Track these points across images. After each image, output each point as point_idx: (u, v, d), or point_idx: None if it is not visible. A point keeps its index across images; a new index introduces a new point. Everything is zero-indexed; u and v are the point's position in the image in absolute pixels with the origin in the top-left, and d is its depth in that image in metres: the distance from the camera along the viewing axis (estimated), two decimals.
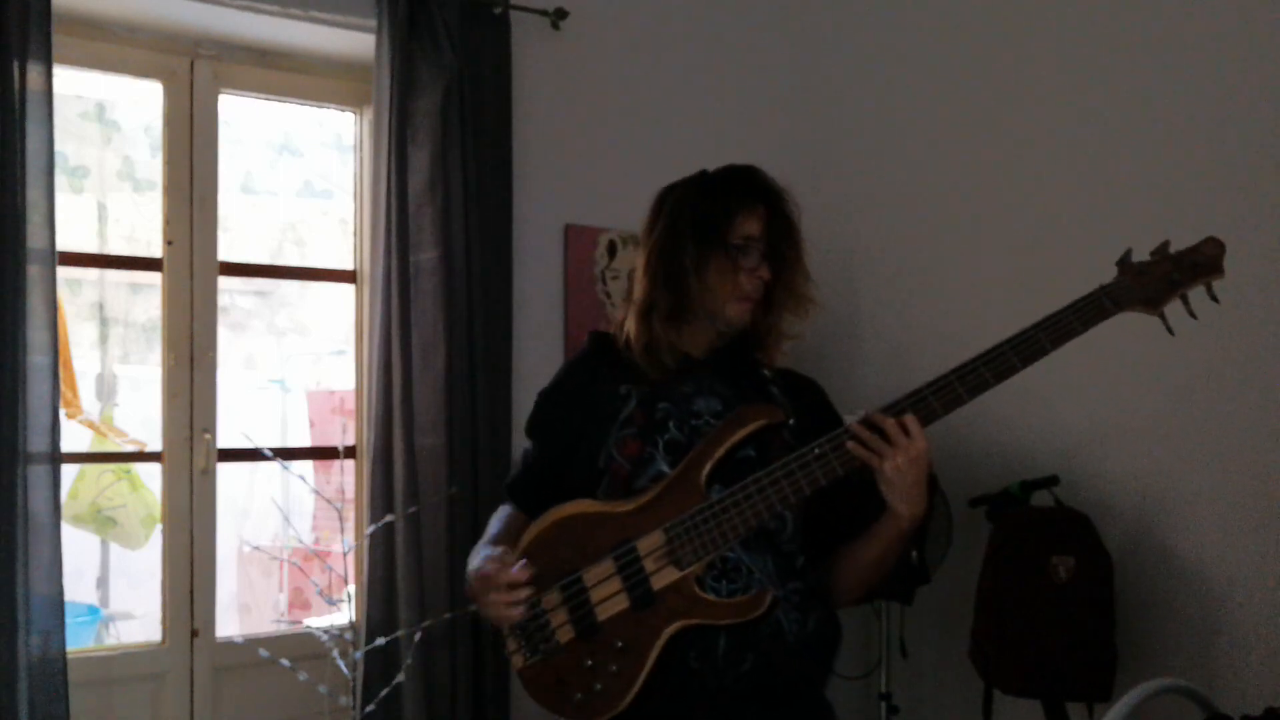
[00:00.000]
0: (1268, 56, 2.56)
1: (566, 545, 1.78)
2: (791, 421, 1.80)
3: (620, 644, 1.72)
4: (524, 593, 1.76)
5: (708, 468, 1.74)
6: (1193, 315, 1.72)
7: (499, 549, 1.84)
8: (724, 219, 1.84)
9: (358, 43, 3.00)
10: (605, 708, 1.73)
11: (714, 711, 1.74)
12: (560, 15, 3.22)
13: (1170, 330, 1.73)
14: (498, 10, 3.07)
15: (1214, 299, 1.72)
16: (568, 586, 1.77)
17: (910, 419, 1.68)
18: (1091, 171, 2.89)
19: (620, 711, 1.73)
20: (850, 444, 1.69)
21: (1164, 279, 1.71)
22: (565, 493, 1.86)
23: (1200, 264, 1.70)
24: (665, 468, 1.79)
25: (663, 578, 1.72)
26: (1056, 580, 2.62)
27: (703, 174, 1.96)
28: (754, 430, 1.76)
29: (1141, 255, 1.75)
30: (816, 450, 1.70)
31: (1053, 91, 2.98)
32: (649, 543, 1.73)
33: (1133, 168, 2.81)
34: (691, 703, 1.73)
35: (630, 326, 1.89)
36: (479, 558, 1.86)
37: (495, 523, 2.00)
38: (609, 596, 1.74)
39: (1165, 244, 1.73)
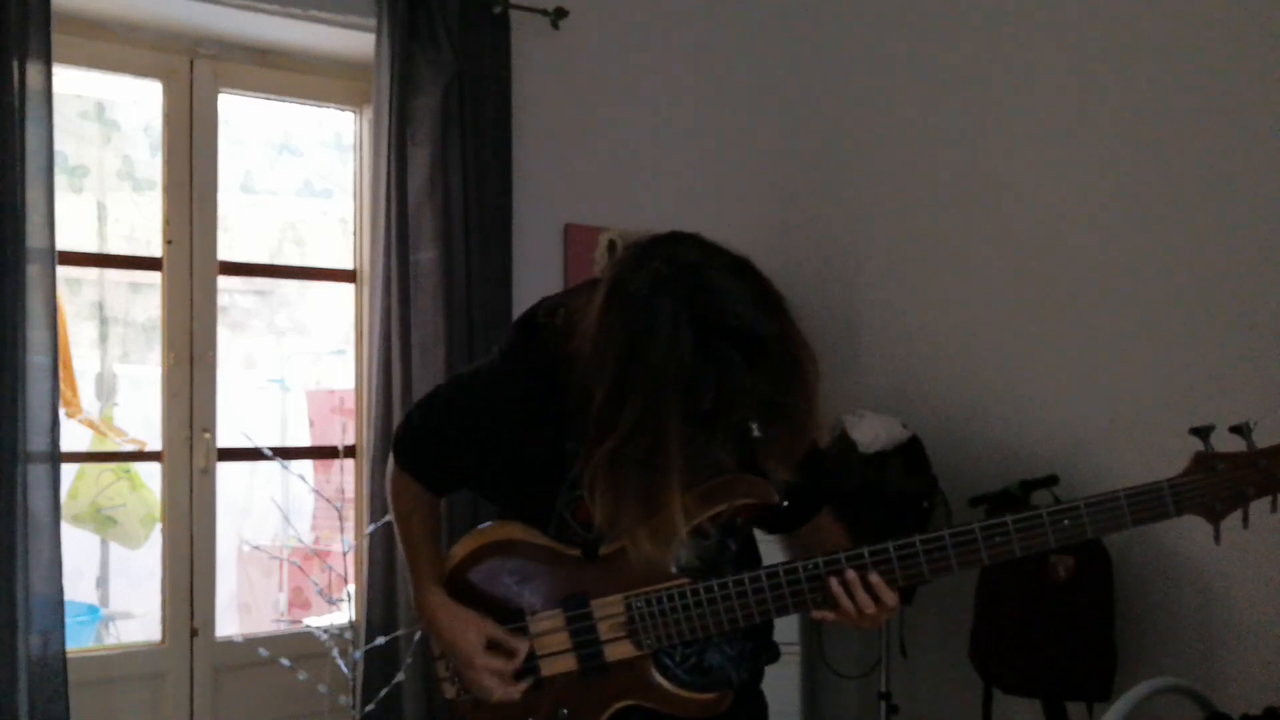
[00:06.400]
0: (1259, 40, 2.56)
1: (508, 576, 1.61)
2: (785, 504, 1.58)
3: (565, 712, 1.60)
4: (525, 686, 1.59)
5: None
6: (1245, 526, 1.50)
7: (484, 623, 1.60)
8: (721, 411, 1.37)
9: (358, 42, 3.00)
10: None
11: None
12: (560, 15, 3.22)
13: (1218, 540, 1.51)
14: (498, 10, 3.07)
15: (1276, 509, 1.49)
16: (511, 631, 1.61)
17: (883, 585, 1.49)
18: (1090, 172, 2.89)
19: None
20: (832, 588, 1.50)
21: (1237, 489, 1.49)
22: (479, 483, 1.71)
23: (1277, 477, 1.48)
24: None
25: (617, 650, 1.57)
26: (1056, 580, 2.62)
27: (686, 309, 1.35)
28: (740, 506, 1.55)
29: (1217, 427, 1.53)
30: (811, 568, 1.52)
31: (1052, 92, 2.98)
32: (606, 608, 1.57)
33: (1131, 167, 2.80)
34: None
35: (601, 517, 1.47)
36: (465, 633, 1.60)
37: (408, 525, 1.71)
38: (556, 653, 1.59)
39: (1248, 428, 1.50)
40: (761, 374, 1.36)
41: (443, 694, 1.68)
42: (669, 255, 1.40)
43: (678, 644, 1.58)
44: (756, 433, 1.43)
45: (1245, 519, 1.50)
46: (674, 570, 1.57)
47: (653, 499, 1.40)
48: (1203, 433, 1.51)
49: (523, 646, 1.59)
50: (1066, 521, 1.49)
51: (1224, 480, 1.49)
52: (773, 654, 1.73)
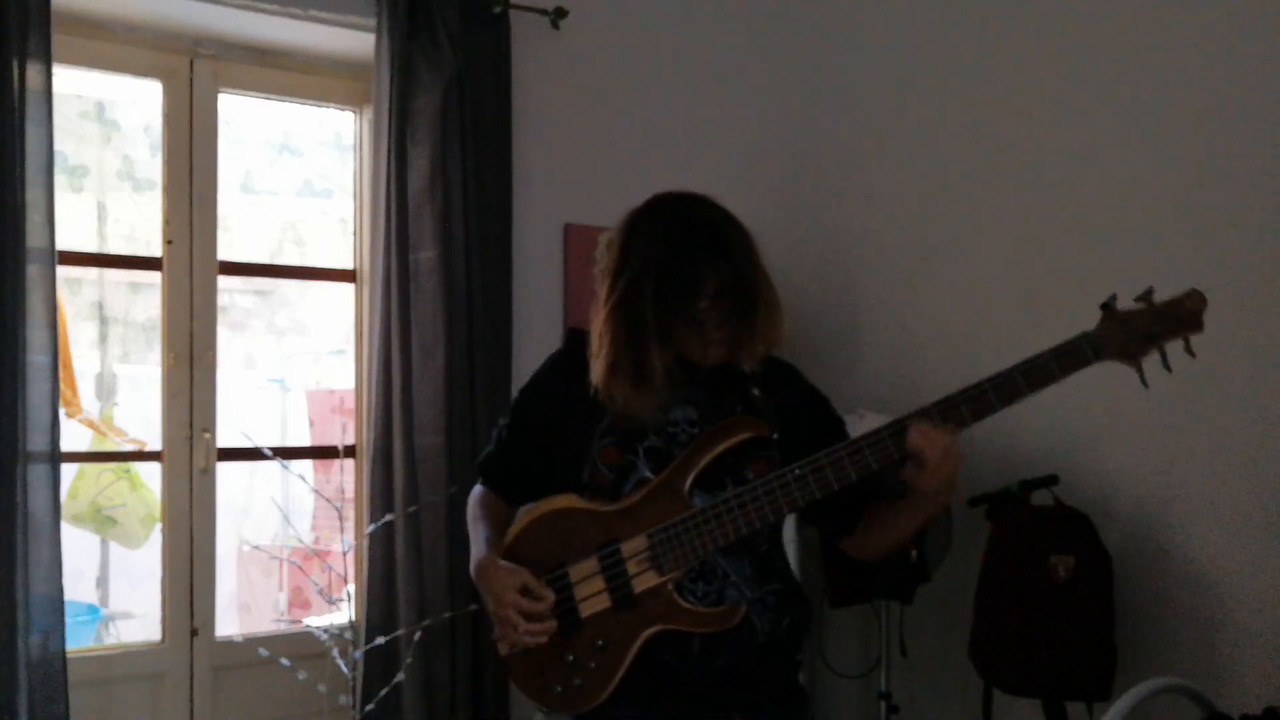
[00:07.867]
0: (1262, 46, 2.56)
1: (553, 538, 1.85)
2: (776, 436, 1.85)
3: (600, 642, 1.80)
4: (550, 625, 1.81)
5: (691, 476, 1.81)
6: (1168, 369, 1.72)
7: (521, 571, 1.82)
8: (690, 285, 1.81)
9: (358, 42, 3.00)
10: (584, 701, 1.82)
11: (688, 697, 1.81)
12: (560, 15, 3.22)
13: (1145, 383, 1.72)
14: (497, 10, 3.07)
15: (1190, 354, 1.71)
16: (554, 580, 1.83)
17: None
18: (1088, 170, 2.89)
19: (598, 704, 1.82)
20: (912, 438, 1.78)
21: (1144, 332, 1.71)
22: (541, 482, 1.94)
23: (1181, 318, 1.70)
24: (649, 473, 1.84)
25: (644, 581, 1.79)
26: (1056, 580, 2.62)
27: (669, 217, 1.88)
28: (738, 442, 1.82)
29: (1126, 301, 1.74)
30: (797, 471, 1.76)
31: (1051, 90, 2.98)
32: (632, 546, 1.80)
33: (1129, 166, 2.81)
34: (666, 691, 1.81)
35: (597, 373, 1.84)
36: (502, 577, 1.83)
37: (479, 516, 2.00)
38: (592, 595, 1.81)
39: (1149, 292, 1.73)
40: (720, 267, 1.80)
41: (501, 652, 1.88)
42: (669, 195, 1.92)
43: (695, 561, 1.79)
44: (746, 369, 1.88)
45: (1165, 362, 1.72)
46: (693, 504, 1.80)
47: (634, 351, 1.79)
48: (1108, 302, 1.73)
49: (550, 595, 1.80)
50: (1004, 387, 1.78)
51: (1132, 327, 1.71)
52: (797, 614, 1.89)
